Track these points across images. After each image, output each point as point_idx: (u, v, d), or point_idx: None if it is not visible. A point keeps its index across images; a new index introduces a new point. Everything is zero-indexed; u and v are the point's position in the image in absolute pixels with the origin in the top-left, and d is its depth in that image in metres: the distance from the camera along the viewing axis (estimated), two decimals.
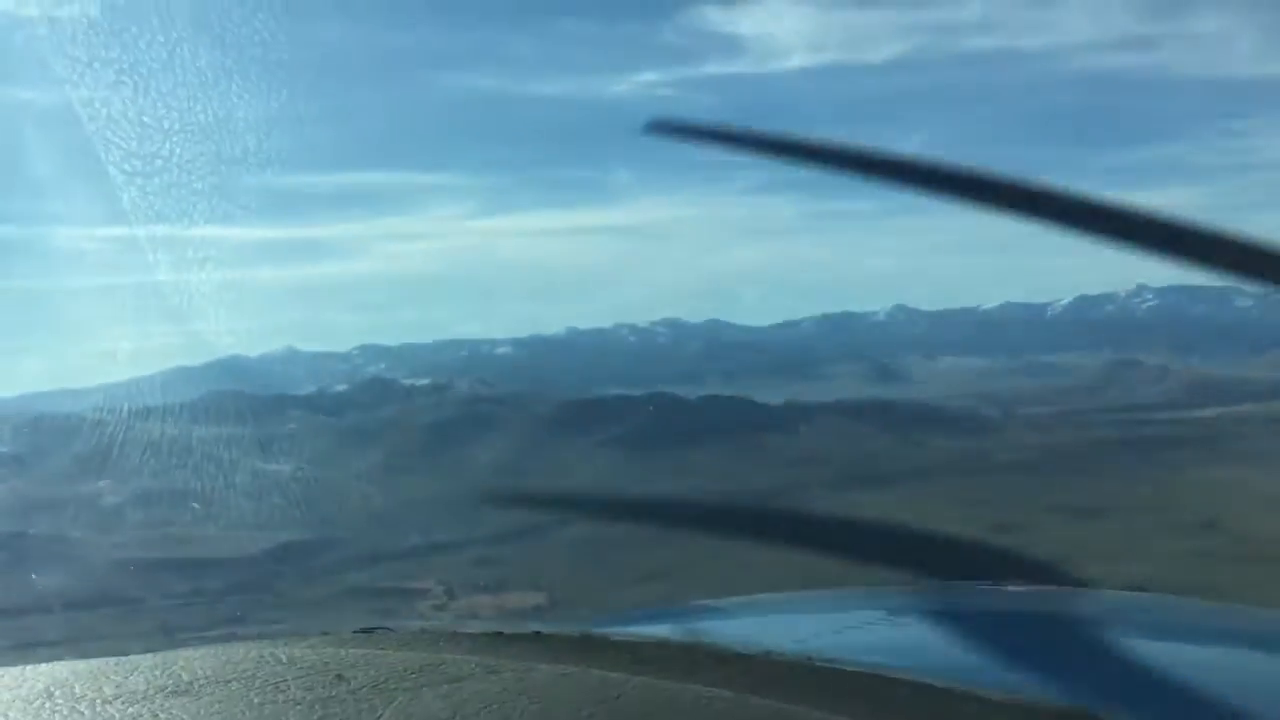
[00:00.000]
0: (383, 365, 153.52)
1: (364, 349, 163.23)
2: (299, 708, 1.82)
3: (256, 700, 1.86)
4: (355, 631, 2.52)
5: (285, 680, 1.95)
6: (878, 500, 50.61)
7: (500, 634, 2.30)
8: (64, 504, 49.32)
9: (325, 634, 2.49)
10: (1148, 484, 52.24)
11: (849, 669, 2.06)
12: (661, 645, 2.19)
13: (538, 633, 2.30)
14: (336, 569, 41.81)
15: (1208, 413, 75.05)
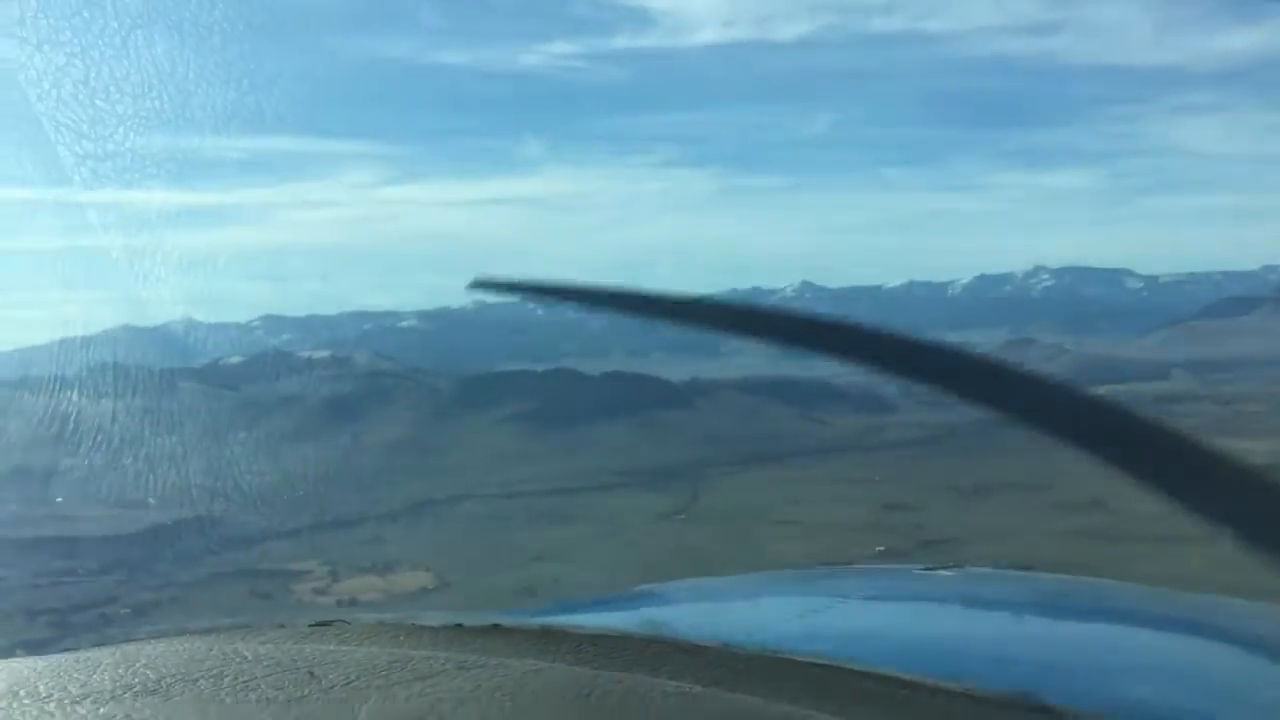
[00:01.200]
0: (285, 336, 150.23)
1: (266, 320, 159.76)
2: (272, 707, 1.76)
3: (229, 700, 1.82)
4: (311, 625, 2.47)
5: (255, 679, 1.90)
6: (775, 476, 50.85)
7: (460, 626, 2.25)
8: None
9: (281, 626, 2.46)
10: (1036, 462, 53.26)
11: (799, 660, 2.01)
12: (623, 638, 2.11)
13: (496, 625, 2.25)
14: (217, 549, 40.48)
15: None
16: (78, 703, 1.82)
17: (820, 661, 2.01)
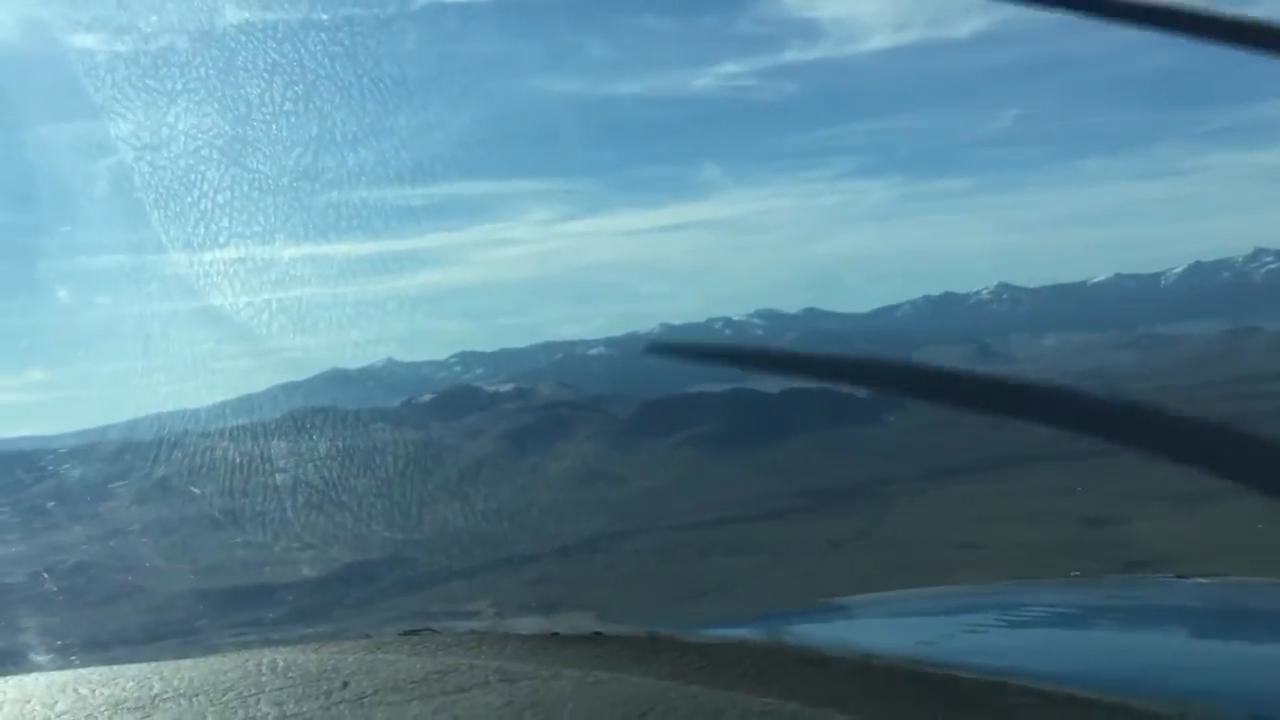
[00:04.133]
0: (479, 371, 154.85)
1: (462, 356, 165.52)
2: (284, 715, 1.79)
3: (239, 711, 1.85)
4: (401, 633, 2.64)
5: (279, 689, 1.97)
6: (965, 492, 47.70)
7: (555, 635, 2.23)
8: (137, 532, 49.39)
9: (367, 636, 2.70)
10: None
11: (960, 675, 1.83)
12: (737, 647, 1.96)
13: (597, 634, 2.20)
14: (393, 592, 40.71)
15: None
16: (91, 718, 1.90)
17: (968, 675, 1.81)
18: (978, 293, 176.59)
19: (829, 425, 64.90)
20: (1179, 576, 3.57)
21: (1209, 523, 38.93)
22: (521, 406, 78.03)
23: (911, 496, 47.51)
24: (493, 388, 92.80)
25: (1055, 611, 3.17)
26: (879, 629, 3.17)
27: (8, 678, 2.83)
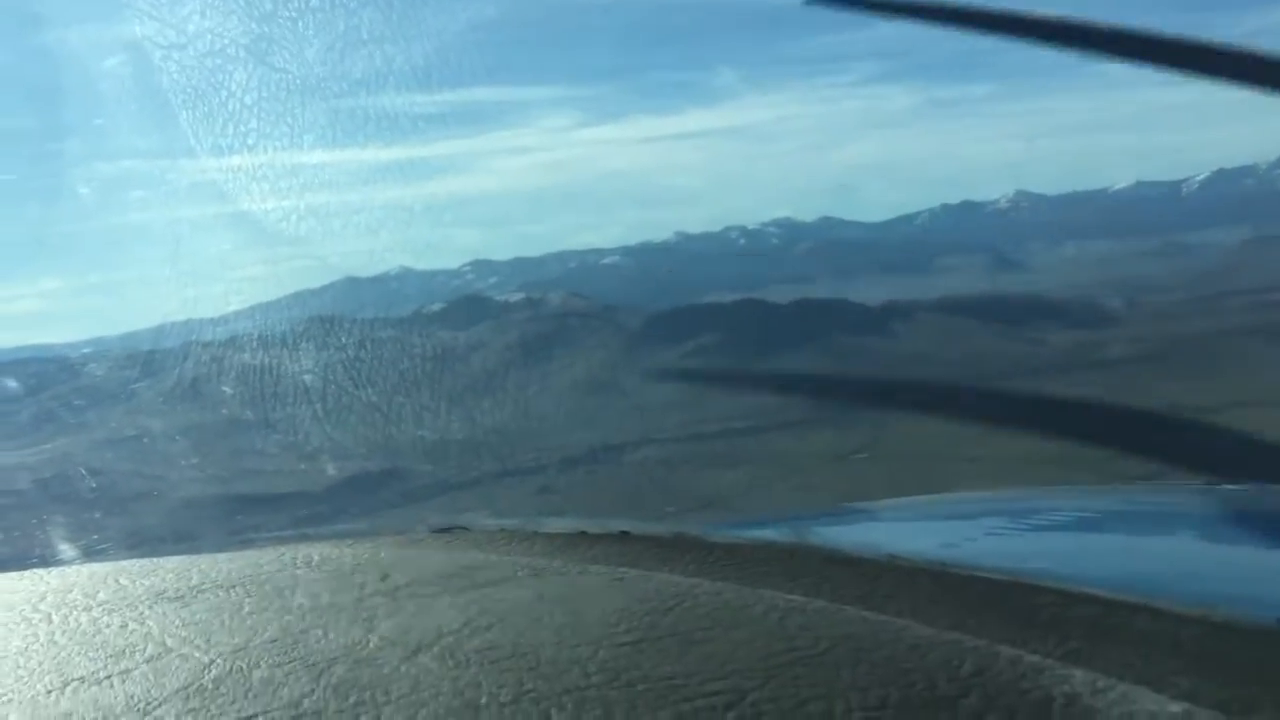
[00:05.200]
0: (493, 280, 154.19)
1: (476, 264, 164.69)
2: (288, 616, 1.86)
3: (248, 606, 1.94)
4: (432, 530, 2.59)
5: (293, 586, 2.03)
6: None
7: (584, 534, 2.25)
8: (142, 439, 49.62)
9: (398, 533, 2.63)
10: (1271, 376, 47.18)
11: (982, 575, 1.84)
12: (763, 547, 2.00)
13: (624, 532, 2.22)
14: (398, 503, 40.70)
15: None
16: (132, 606, 2.01)
17: (990, 576, 1.82)
18: (996, 201, 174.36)
19: (837, 336, 64.27)
20: (1209, 483, 3.40)
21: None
22: (531, 316, 77.55)
23: (918, 409, 46.97)
24: (503, 297, 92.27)
25: (1081, 516, 3.14)
26: (904, 531, 3.16)
27: (50, 568, 2.85)
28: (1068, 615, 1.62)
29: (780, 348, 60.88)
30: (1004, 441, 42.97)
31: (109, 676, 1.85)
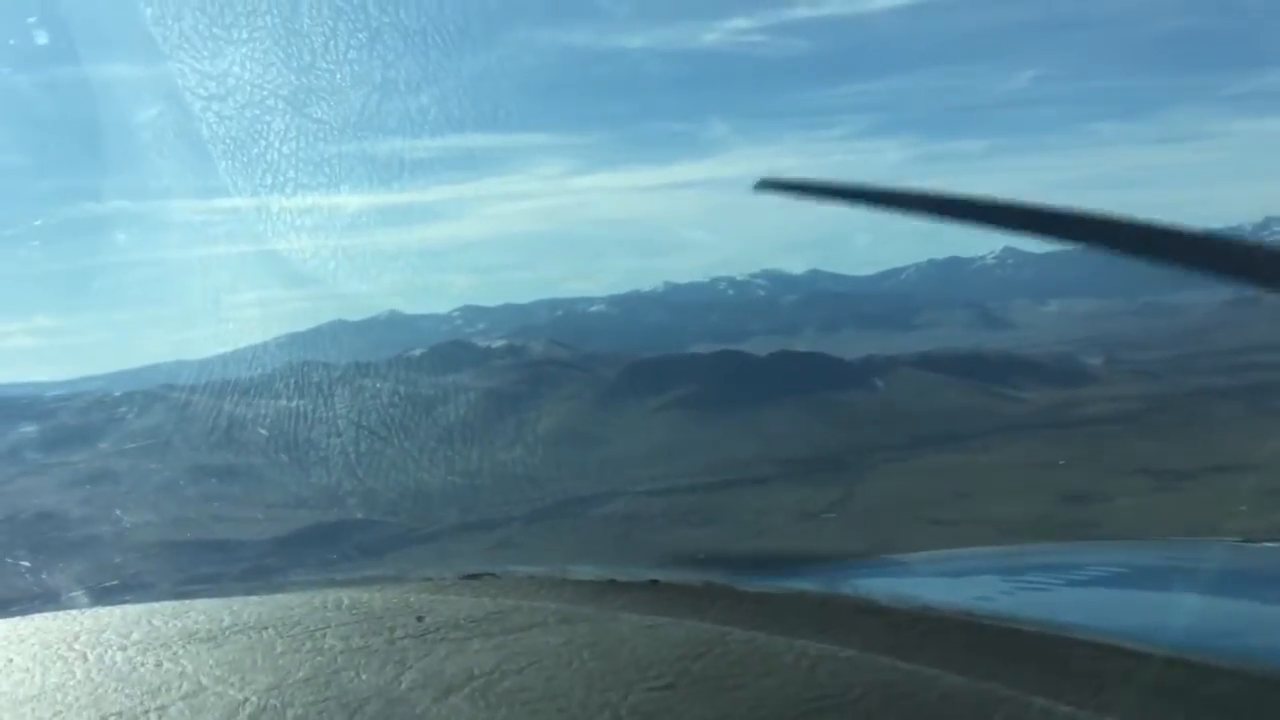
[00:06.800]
0: (481, 326, 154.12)
1: (465, 310, 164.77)
2: (320, 658, 1.87)
3: (280, 647, 1.97)
4: (462, 576, 2.83)
5: (324, 629, 2.05)
6: (947, 463, 46.66)
7: (613, 582, 2.38)
8: (110, 482, 48.82)
9: (428, 579, 2.94)
10: (1247, 439, 46.77)
11: (1014, 627, 1.87)
12: (795, 596, 2.05)
13: (654, 581, 2.35)
14: (354, 555, 39.92)
15: None
16: (165, 646, 2.03)
17: (1022, 628, 1.83)
18: (983, 257, 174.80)
19: (814, 390, 63.82)
20: (1245, 541, 3.54)
21: (1190, 501, 37.97)
22: (512, 364, 77.11)
23: (893, 465, 46.46)
24: (485, 343, 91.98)
25: (1115, 571, 3.18)
26: (936, 584, 3.16)
27: (84, 610, 2.92)
28: (1100, 667, 1.62)
29: (758, 402, 60.42)
30: (972, 505, 42.74)
31: (145, 713, 1.85)
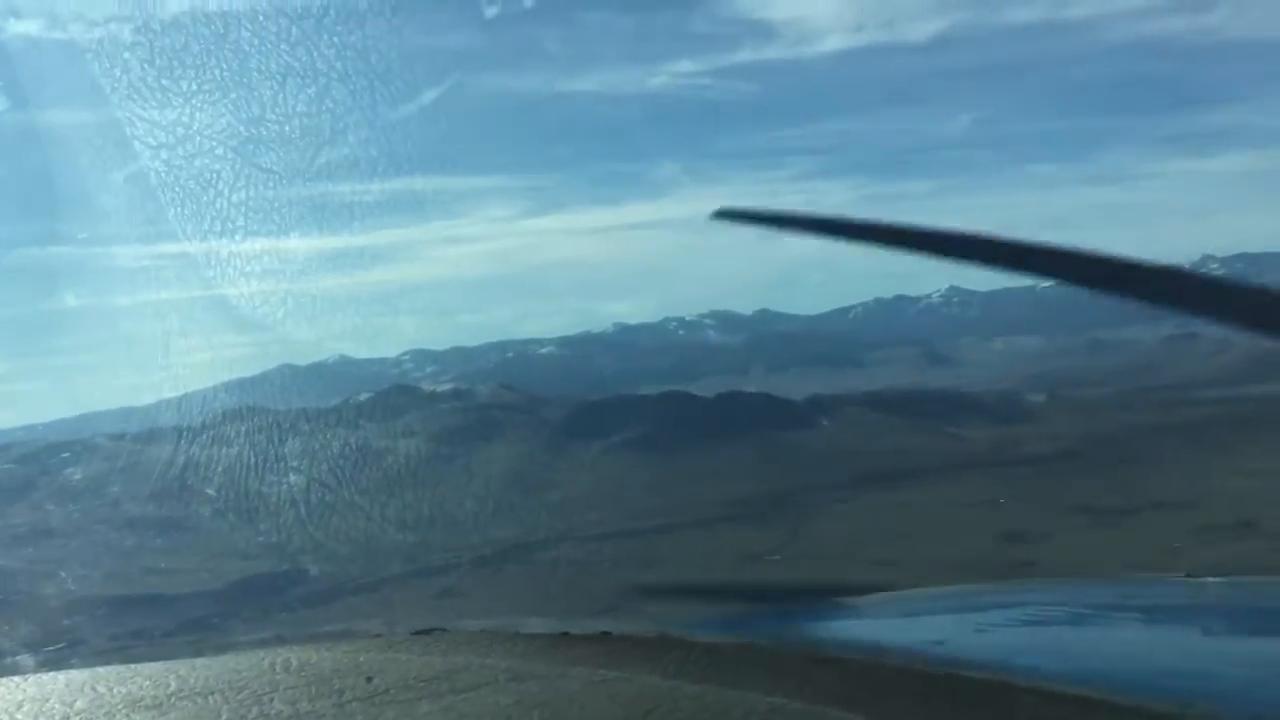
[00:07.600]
0: (430, 369, 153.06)
1: (414, 354, 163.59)
2: (289, 713, 1.88)
3: (225, 714, 1.93)
4: (413, 632, 2.79)
5: (271, 693, 2.01)
6: (890, 501, 46.91)
7: (565, 635, 2.45)
8: (50, 536, 47.77)
9: (377, 636, 2.84)
10: (1184, 475, 47.48)
11: (964, 674, 1.88)
12: (745, 647, 2.11)
13: (606, 633, 2.45)
14: (292, 606, 39.26)
15: (1270, 388, 69.58)
16: (109, 716, 2.00)
17: (972, 675, 1.86)
18: (929, 295, 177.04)
19: (760, 430, 63.97)
20: (1188, 576, 3.60)
21: (1129, 537, 38.40)
22: (458, 407, 76.55)
23: (837, 506, 46.63)
24: (431, 387, 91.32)
25: (1062, 611, 3.15)
26: (887, 628, 3.13)
27: (26, 676, 2.88)
28: (1045, 715, 1.65)
29: (705, 443, 60.44)
30: (914, 545, 42.92)
31: None
